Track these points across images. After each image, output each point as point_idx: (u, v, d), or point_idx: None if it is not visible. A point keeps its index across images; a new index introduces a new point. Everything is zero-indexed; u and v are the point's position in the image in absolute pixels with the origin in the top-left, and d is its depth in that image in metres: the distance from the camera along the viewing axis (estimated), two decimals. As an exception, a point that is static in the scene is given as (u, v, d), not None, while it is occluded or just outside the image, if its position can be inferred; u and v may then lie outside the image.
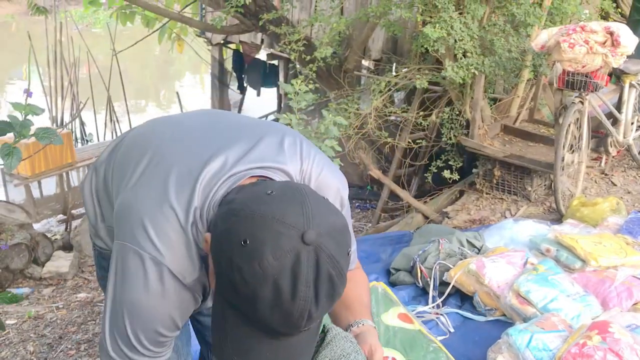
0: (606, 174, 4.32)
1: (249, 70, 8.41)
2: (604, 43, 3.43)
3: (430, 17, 4.08)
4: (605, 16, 5.39)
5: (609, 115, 4.09)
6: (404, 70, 4.99)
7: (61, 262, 4.64)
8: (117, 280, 1.03)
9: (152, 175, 1.08)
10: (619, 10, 5.61)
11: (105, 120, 8.58)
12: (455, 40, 3.94)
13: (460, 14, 4.03)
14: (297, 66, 5.61)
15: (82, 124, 8.75)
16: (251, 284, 0.86)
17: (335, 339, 1.10)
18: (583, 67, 3.45)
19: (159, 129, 1.22)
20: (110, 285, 1.04)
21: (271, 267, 0.85)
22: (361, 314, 1.22)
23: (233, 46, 8.59)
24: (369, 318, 1.23)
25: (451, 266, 2.72)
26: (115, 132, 8.46)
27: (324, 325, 1.09)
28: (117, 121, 8.48)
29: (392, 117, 4.92)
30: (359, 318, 1.21)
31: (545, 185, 4.20)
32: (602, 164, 4.36)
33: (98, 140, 8.65)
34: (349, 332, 1.17)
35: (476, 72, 3.94)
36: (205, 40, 8.61)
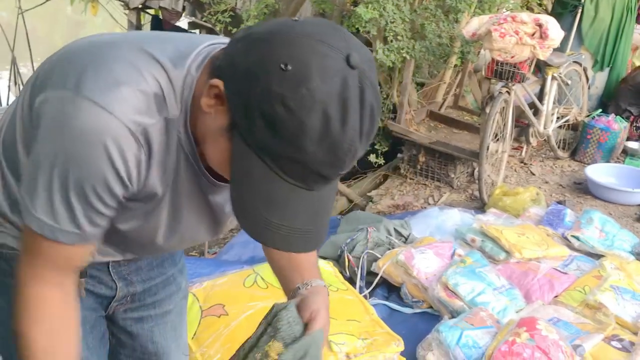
0: (525, 164, 4.43)
1: (168, 39, 8.03)
2: (533, 35, 3.46)
3: (363, -4, 3.98)
4: (529, 8, 5.49)
5: (531, 106, 4.17)
6: (333, 49, 4.88)
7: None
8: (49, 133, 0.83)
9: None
10: (543, 3, 5.73)
11: (9, 83, 7.96)
12: (387, 22, 3.86)
13: (392, -5, 3.95)
14: (222, 38, 5.37)
15: (-19, 85, 8.09)
16: (297, 113, 0.74)
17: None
18: (512, 57, 3.47)
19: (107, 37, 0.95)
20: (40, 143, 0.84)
21: (319, 91, 0.74)
22: (310, 274, 1.12)
23: (152, 12, 8.16)
24: (318, 277, 1.12)
25: (379, 256, 2.67)
26: (20, 96, 7.88)
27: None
28: (22, 84, 7.89)
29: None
30: (308, 279, 1.10)
31: (467, 172, 4.24)
32: (523, 153, 4.46)
33: (0, 104, 8.02)
34: (296, 296, 1.08)
35: (407, 57, 3.89)
36: (122, 3, 8.13)
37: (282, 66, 0.74)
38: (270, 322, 1.04)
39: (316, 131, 0.75)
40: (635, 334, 2.23)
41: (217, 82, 0.81)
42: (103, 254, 1.07)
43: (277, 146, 0.77)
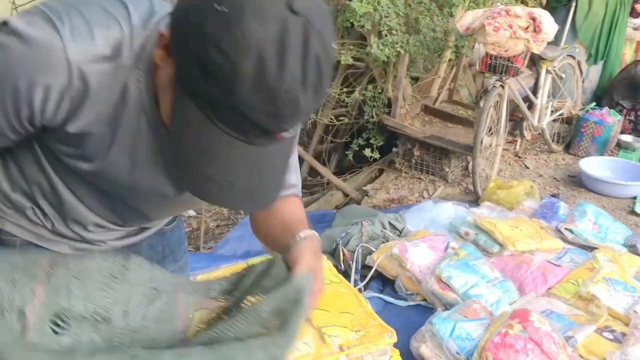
0: (519, 157, 4.45)
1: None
2: (527, 28, 3.47)
3: (357, -10, 3.98)
4: (523, 2, 5.50)
5: (525, 100, 4.19)
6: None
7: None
8: None
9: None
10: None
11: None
12: (381, 17, 3.87)
13: (386, -11, 3.95)
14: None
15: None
16: (231, 56, 0.70)
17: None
18: (506, 51, 3.48)
19: None
20: None
21: (255, 33, 0.70)
22: (300, 227, 1.06)
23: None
24: (306, 229, 1.06)
25: (374, 249, 2.68)
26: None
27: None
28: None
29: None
30: (296, 234, 1.03)
31: (462, 166, 4.25)
32: (517, 147, 4.48)
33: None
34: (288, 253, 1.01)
35: (402, 51, 3.90)
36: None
37: (217, 7, 0.71)
38: (258, 282, 0.98)
39: (251, 75, 0.71)
40: (627, 325, 2.24)
41: (164, 30, 0.78)
42: (89, 210, 1.05)
43: (214, 93, 0.74)
